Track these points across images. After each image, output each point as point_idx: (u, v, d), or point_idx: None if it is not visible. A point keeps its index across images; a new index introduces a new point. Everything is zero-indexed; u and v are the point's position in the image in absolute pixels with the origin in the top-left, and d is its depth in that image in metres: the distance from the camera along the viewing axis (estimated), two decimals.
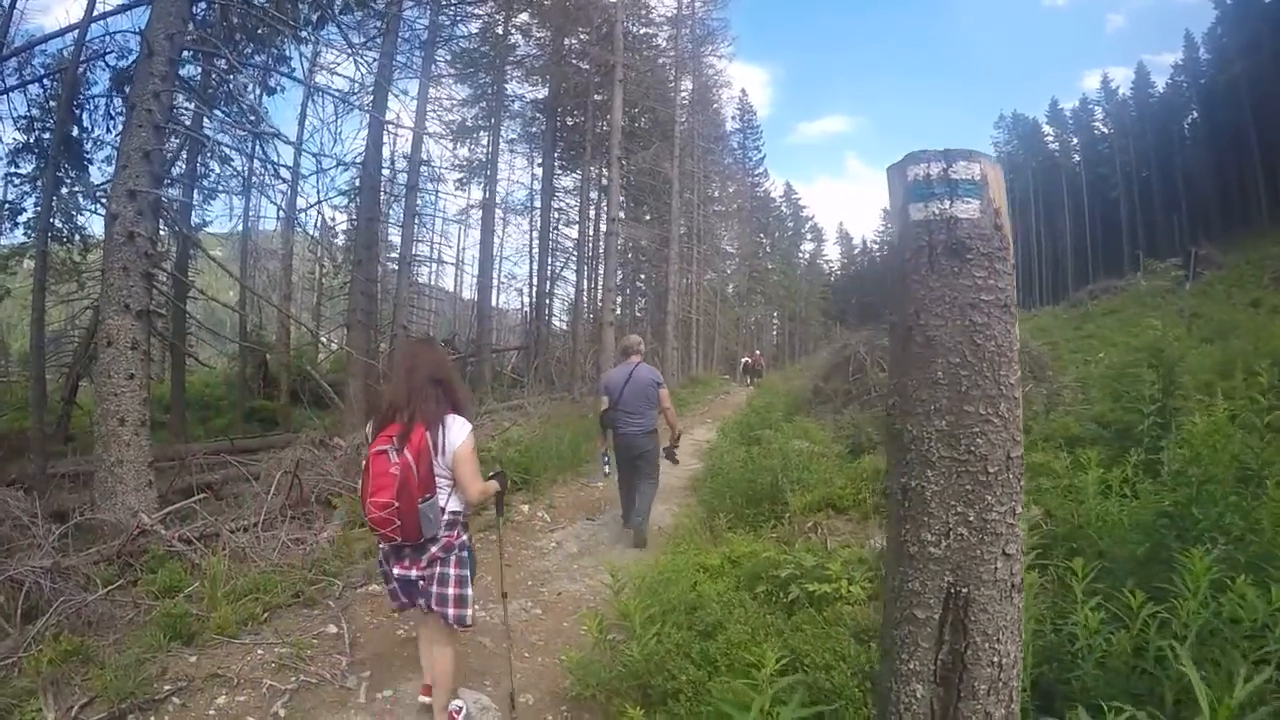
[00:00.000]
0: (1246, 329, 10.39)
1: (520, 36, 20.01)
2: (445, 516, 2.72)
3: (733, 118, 48.64)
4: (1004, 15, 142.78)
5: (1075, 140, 61.49)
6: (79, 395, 11.93)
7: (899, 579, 1.45)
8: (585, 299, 23.95)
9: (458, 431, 2.74)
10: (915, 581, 1.42)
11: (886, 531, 1.60)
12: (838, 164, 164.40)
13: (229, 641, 3.62)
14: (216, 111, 9.82)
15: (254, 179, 15.08)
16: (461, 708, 2.99)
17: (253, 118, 11.07)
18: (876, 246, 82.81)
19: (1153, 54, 78.80)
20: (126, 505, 5.53)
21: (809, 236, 76.89)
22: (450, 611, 2.76)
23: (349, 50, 9.55)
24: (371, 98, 11.96)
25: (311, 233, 16.18)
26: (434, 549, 2.71)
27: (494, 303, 25.82)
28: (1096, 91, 60.70)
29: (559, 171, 25.52)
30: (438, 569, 2.73)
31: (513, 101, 22.26)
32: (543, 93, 23.11)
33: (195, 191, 12.85)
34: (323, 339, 19.91)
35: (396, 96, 12.19)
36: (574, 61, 21.77)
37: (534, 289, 25.06)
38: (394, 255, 16.97)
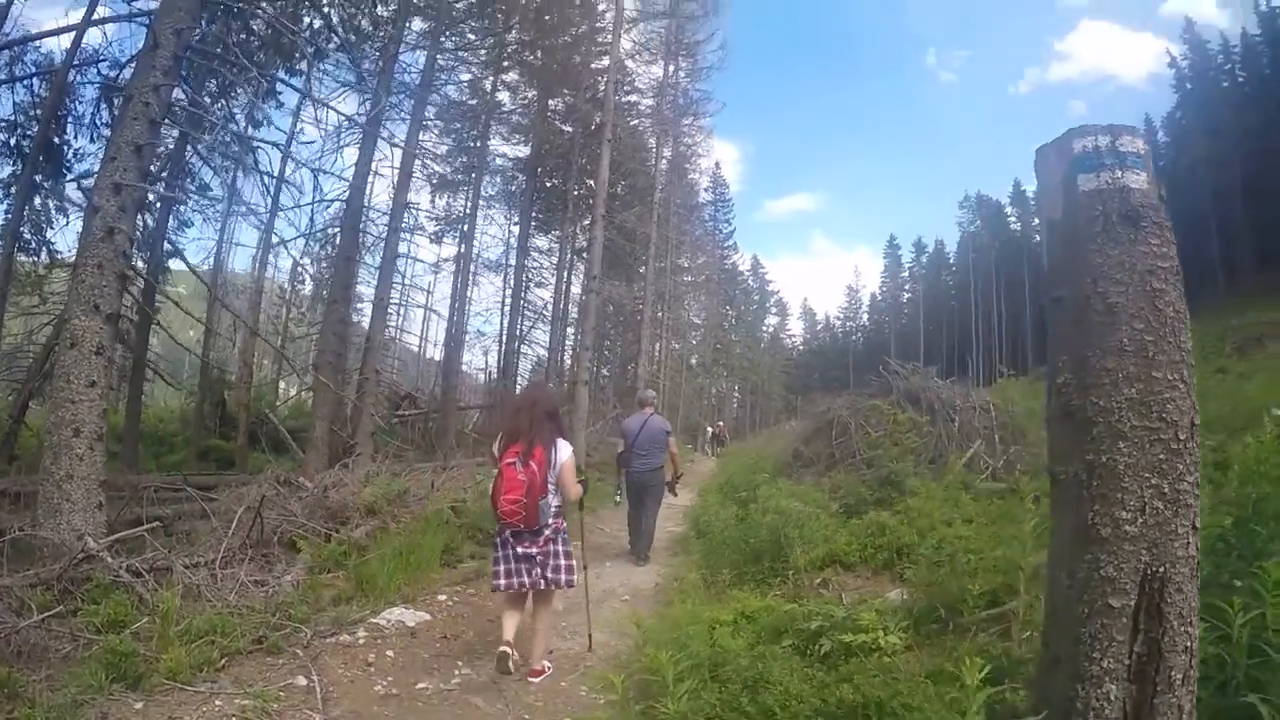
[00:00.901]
0: (1217, 393, 10.59)
1: (507, 94, 20.41)
2: (552, 510, 3.71)
3: (705, 189, 50.03)
4: (971, 100, 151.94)
5: (1036, 222, 64.47)
6: (29, 416, 11.08)
7: (1088, 568, 1.27)
8: (556, 359, 23.69)
9: (564, 452, 3.82)
10: (1109, 566, 1.27)
11: (1058, 523, 1.42)
12: (803, 242, 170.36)
13: (181, 689, 3.13)
14: (204, 136, 9.56)
15: (232, 207, 14.79)
16: (548, 666, 3.87)
17: (237, 147, 10.88)
18: (839, 323, 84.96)
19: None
20: (72, 526, 4.94)
21: (773, 311, 78.58)
22: (563, 577, 3.78)
23: (344, 85, 9.49)
24: (360, 135, 11.87)
25: (291, 265, 15.73)
26: (546, 533, 3.70)
27: (462, 358, 25.38)
28: None
29: (534, 232, 25.68)
30: (551, 548, 3.73)
31: (494, 159, 22.49)
32: (524, 151, 23.48)
33: (170, 218, 12.41)
34: (289, 381, 19.14)
35: (385, 140, 12.13)
36: (557, 123, 22.27)
37: (502, 347, 24.74)
38: (360, 306, 16.66)
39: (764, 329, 74.55)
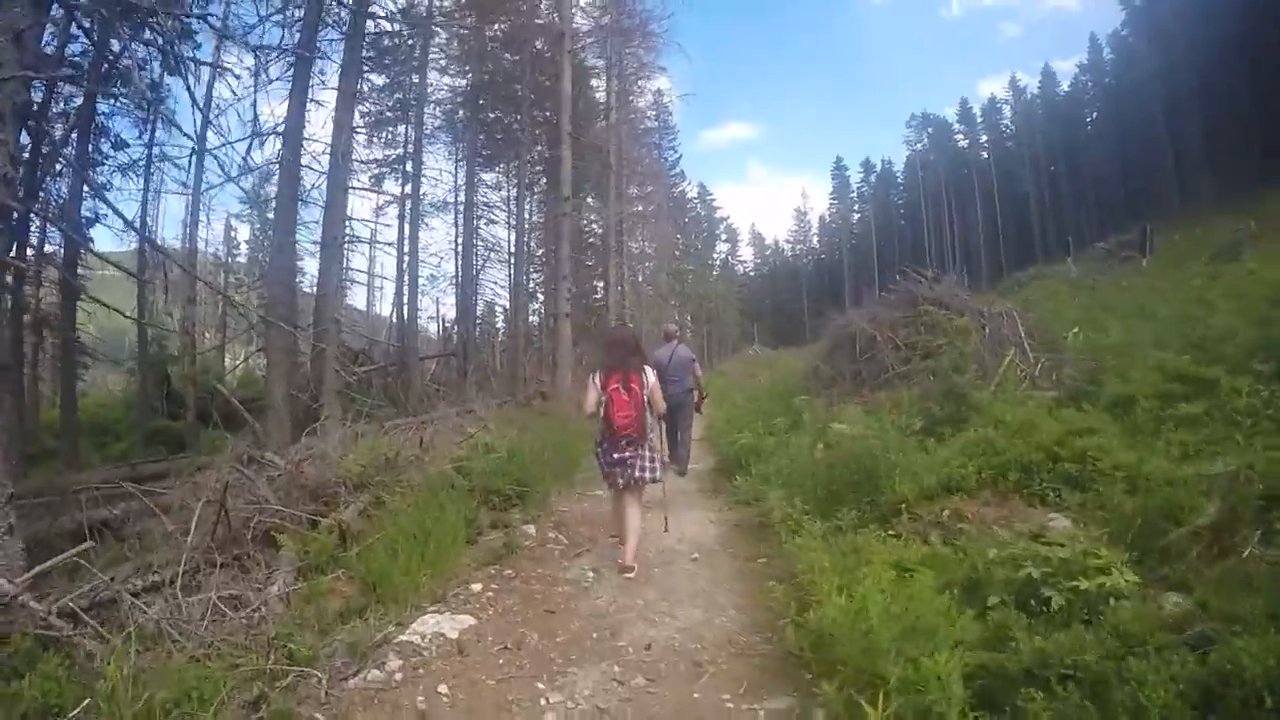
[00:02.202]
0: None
1: (443, 20, 18.15)
2: (649, 425, 4.63)
3: (651, 116, 47.69)
4: (900, 25, 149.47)
5: (984, 138, 64.43)
6: None
7: None
8: (517, 299, 22.17)
9: (649, 377, 4.66)
10: None
11: None
12: (740, 170, 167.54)
13: None
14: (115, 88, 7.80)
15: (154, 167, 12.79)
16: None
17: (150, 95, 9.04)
18: (789, 246, 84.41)
19: (1041, 61, 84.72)
20: None
21: (723, 238, 77.32)
22: (649, 476, 4.58)
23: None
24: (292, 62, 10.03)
25: (225, 228, 13.83)
26: (646, 444, 4.58)
27: (418, 304, 23.59)
28: (1005, 90, 64.17)
29: (482, 167, 23.69)
30: (641, 453, 4.55)
31: (435, 90, 20.35)
32: (464, 83, 21.33)
33: (84, 185, 10.51)
34: (235, 350, 17.37)
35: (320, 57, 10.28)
36: (498, 50, 20.13)
37: (459, 290, 23.03)
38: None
39: (715, 256, 73.45)
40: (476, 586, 4.08)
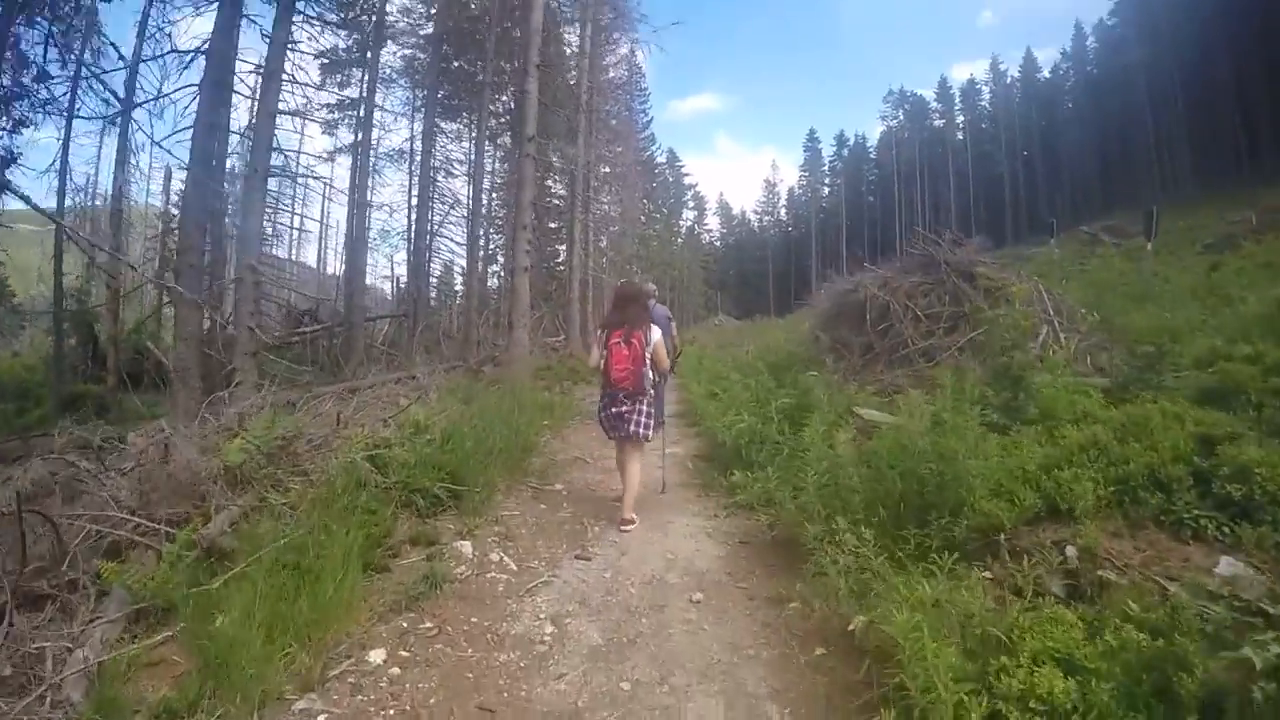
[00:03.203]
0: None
1: None
2: (649, 379, 4.64)
3: (622, 73, 45.53)
4: (875, 6, 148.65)
5: (961, 119, 64.47)
6: None
7: None
8: (479, 256, 20.44)
9: (655, 333, 4.71)
10: None
11: None
12: (707, 142, 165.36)
13: None
14: None
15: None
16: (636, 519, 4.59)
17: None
18: (756, 217, 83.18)
19: (1016, 50, 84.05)
20: None
21: (690, 205, 75.74)
22: (642, 432, 4.64)
23: None
24: None
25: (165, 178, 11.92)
26: (643, 400, 4.63)
27: (368, 262, 21.68)
28: (986, 72, 64.40)
29: (442, 117, 21.66)
30: (638, 407, 4.62)
31: (392, 27, 18.31)
32: (428, 29, 19.31)
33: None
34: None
35: None
36: None
37: (411, 245, 21.14)
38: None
39: (681, 223, 71.84)
40: (376, 655, 2.68)
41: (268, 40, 10.44)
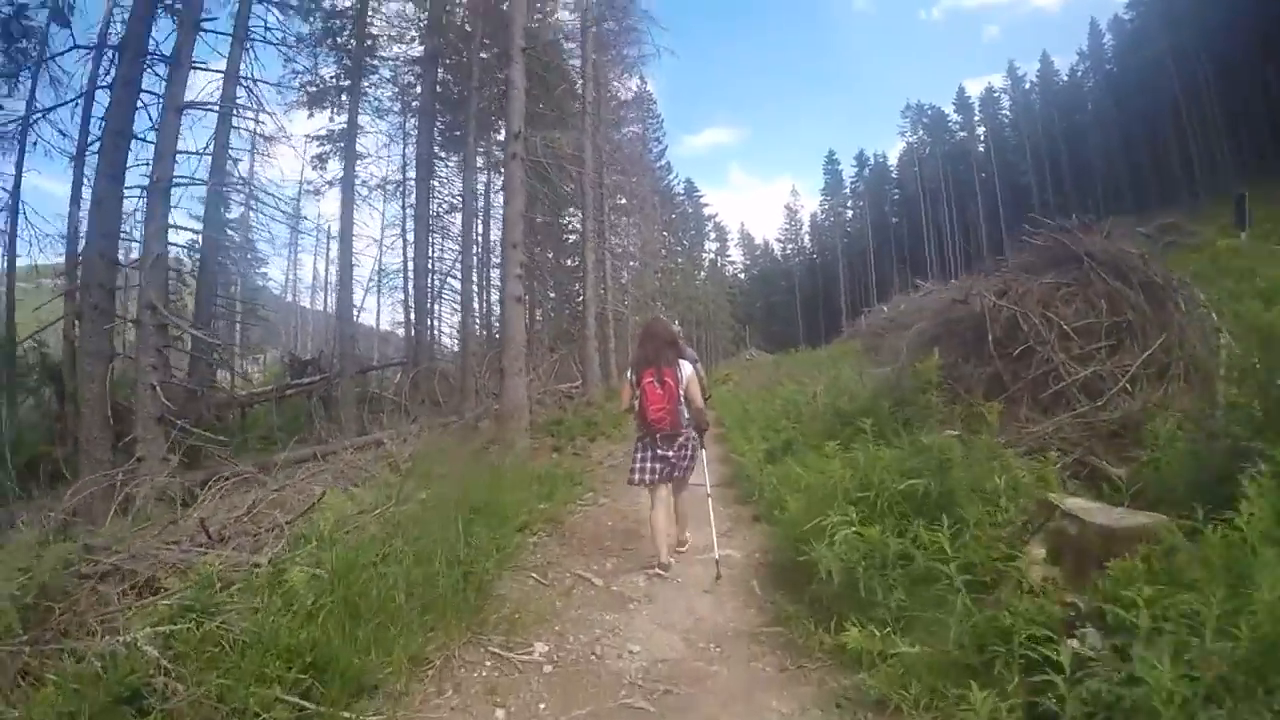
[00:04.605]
0: None
1: None
2: (684, 420, 4.51)
3: (632, 98, 44.27)
4: (880, 28, 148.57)
5: (982, 130, 62.63)
6: None
7: None
8: (473, 295, 18.56)
9: (687, 369, 4.60)
10: None
11: None
12: (721, 175, 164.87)
13: None
14: None
15: None
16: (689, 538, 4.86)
17: None
18: (779, 245, 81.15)
19: (1023, 61, 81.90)
20: None
21: (712, 236, 73.96)
22: (686, 464, 4.53)
23: None
24: None
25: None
26: (681, 439, 4.49)
27: (357, 302, 19.88)
28: (1004, 79, 62.76)
29: (440, 139, 20.09)
30: (684, 453, 4.50)
31: (378, 36, 16.89)
32: (417, 50, 17.93)
33: None
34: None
35: None
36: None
37: (406, 286, 19.37)
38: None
39: (703, 255, 69.88)
40: None
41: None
